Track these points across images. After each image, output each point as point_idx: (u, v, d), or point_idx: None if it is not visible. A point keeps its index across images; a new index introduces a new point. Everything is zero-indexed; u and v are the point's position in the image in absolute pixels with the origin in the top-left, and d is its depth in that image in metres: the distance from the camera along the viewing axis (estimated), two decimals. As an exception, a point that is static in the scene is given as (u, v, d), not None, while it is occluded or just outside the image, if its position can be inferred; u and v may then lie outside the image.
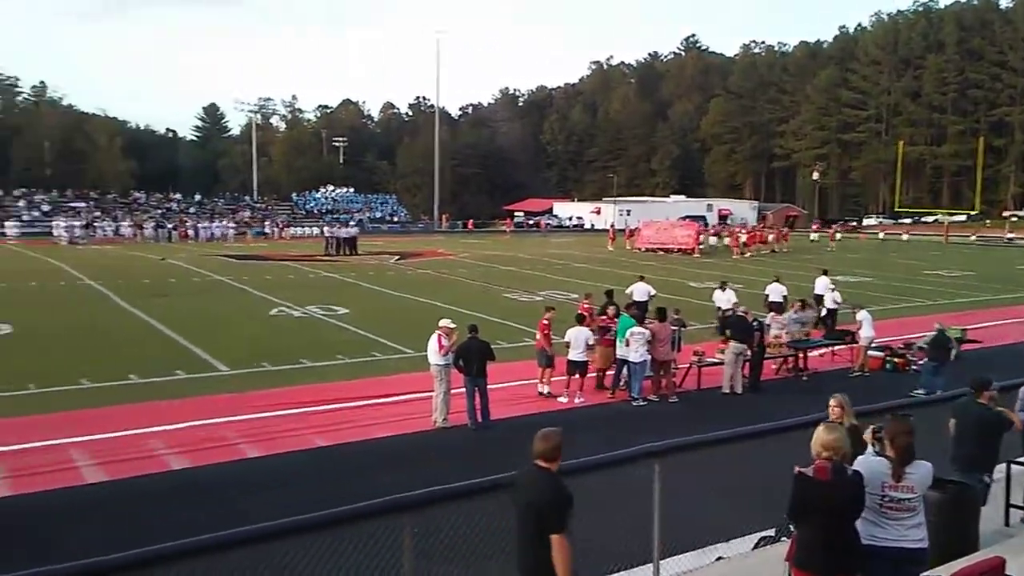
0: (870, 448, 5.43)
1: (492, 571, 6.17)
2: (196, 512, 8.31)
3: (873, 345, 16.28)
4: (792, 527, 5.14)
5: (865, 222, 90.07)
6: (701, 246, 47.92)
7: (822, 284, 21.28)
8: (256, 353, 16.31)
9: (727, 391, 14.13)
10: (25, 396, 12.84)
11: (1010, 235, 67.29)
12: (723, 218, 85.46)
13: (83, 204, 64.93)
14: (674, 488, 5.80)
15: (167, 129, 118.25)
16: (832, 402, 6.59)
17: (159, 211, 66.04)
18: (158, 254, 41.01)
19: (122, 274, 30.70)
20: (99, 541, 7.50)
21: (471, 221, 79.17)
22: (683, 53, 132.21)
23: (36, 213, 61.26)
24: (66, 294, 25.40)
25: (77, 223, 54.06)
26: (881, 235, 66.32)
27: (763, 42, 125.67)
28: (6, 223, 53.65)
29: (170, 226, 56.78)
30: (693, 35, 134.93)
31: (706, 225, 63.75)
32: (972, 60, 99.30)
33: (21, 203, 64.28)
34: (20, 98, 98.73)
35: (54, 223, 52.86)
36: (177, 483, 9.37)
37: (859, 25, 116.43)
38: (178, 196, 73.61)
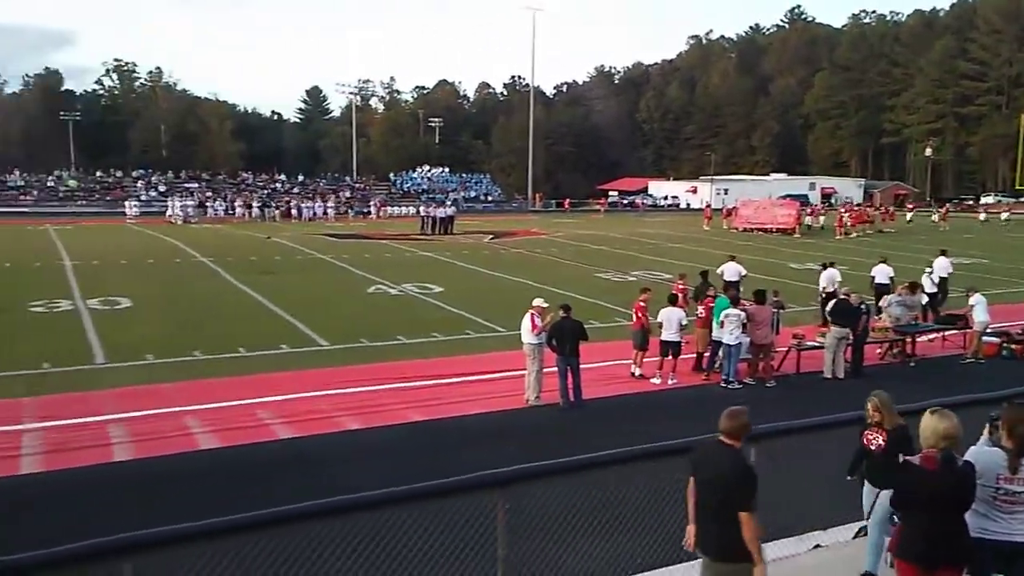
0: (984, 437, 5.18)
1: (585, 548, 6.23)
2: (301, 479, 8.72)
3: (988, 330, 15.42)
4: (896, 517, 4.98)
5: (982, 200, 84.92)
6: (802, 226, 46.37)
7: (941, 265, 20.15)
8: (355, 329, 16.84)
9: (828, 376, 13.70)
10: (143, 366, 13.68)
11: None
12: (826, 197, 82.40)
13: (195, 184, 68.24)
14: (770, 473, 5.69)
15: (272, 112, 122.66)
16: (868, 406, 5.99)
17: (265, 191, 68.69)
18: (264, 233, 42.70)
19: (231, 252, 32.13)
20: (219, 503, 7.96)
21: (567, 200, 78.51)
22: (787, 25, 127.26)
23: (153, 193, 64.80)
24: (180, 270, 26.80)
25: (190, 203, 56.79)
26: (983, 215, 61.97)
27: (874, 12, 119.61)
28: (126, 203, 56.82)
29: (275, 206, 58.92)
30: (798, 6, 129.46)
31: (807, 204, 61.47)
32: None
33: (139, 184, 68.11)
34: (138, 83, 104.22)
35: (169, 203, 55.71)
36: (284, 452, 9.82)
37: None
38: (282, 177, 76.34)
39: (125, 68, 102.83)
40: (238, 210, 57.10)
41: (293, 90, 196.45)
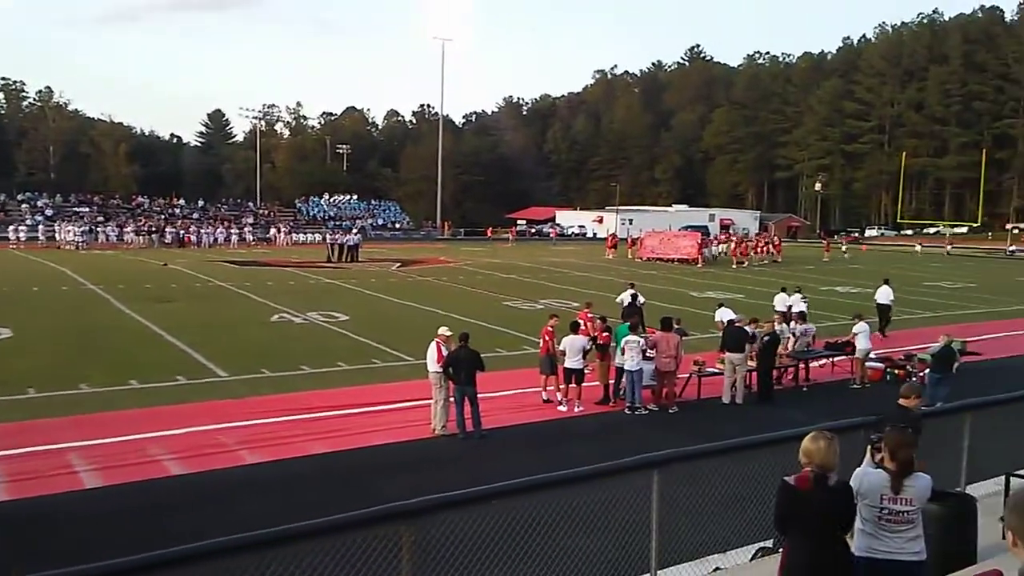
0: (867, 459, 5.41)
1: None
2: (196, 518, 8.32)
3: (873, 357, 16.25)
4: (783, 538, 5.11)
5: (867, 233, 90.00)
6: (704, 257, 48.07)
7: (883, 293, 21.93)
8: (256, 359, 16.31)
9: (727, 401, 14.11)
10: (24, 400, 12.84)
11: (1012, 248, 67.01)
12: (725, 228, 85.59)
13: (87, 209, 65.07)
14: (672, 498, 5.78)
15: (172, 135, 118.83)
16: None
17: (162, 216, 66.16)
18: (160, 259, 41.07)
19: (123, 279, 30.73)
20: (99, 545, 7.51)
21: (490, 228, 78.20)
22: (687, 63, 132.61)
23: (39, 218, 61.39)
24: (68, 299, 25.41)
25: (81, 228, 54.10)
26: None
27: (767, 53, 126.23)
28: (10, 228, 53.68)
29: (173, 231, 56.79)
30: (698, 45, 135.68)
31: (707, 235, 63.61)
32: (975, 72, 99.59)
33: (24, 207, 64.45)
34: (26, 103, 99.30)
35: (58, 227, 52.94)
36: (175, 488, 9.36)
37: (863, 36, 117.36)
38: (181, 201, 73.76)
39: (12, 87, 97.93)
40: (130, 235, 54.78)
41: (194, 113, 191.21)
